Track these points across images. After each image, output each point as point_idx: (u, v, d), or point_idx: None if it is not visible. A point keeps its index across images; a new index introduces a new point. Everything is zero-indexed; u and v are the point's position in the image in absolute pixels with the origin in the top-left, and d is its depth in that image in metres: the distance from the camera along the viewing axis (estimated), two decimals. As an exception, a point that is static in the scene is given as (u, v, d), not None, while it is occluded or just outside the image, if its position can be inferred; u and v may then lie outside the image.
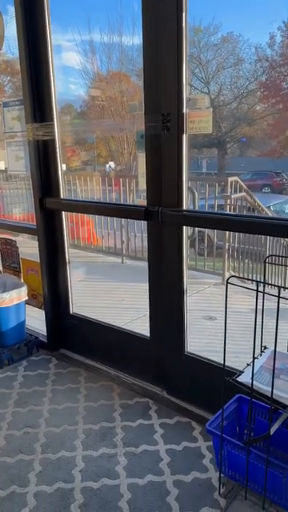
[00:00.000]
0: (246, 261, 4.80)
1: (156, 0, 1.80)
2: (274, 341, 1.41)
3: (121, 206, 2.47)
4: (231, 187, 4.62)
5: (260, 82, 12.64)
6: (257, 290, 1.35)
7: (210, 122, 1.78)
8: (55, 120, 2.40)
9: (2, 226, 2.96)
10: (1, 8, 2.67)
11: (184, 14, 1.76)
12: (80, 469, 1.83)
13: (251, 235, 4.70)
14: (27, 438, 2.02)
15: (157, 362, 2.27)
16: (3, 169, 2.95)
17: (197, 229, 2.09)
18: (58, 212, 2.57)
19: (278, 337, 1.38)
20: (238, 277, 1.23)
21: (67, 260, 2.65)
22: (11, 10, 2.36)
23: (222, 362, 1.51)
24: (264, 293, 1.45)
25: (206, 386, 2.01)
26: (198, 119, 1.80)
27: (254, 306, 1.41)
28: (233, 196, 4.52)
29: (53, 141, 2.43)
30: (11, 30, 2.44)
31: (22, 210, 6.30)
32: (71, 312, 2.72)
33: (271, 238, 4.84)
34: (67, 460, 1.88)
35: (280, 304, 1.30)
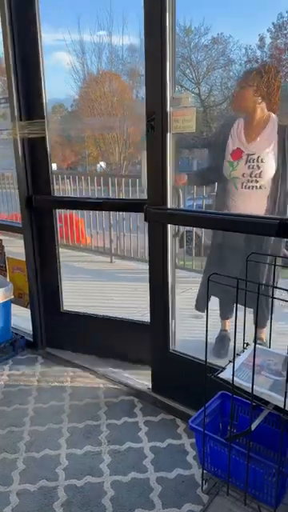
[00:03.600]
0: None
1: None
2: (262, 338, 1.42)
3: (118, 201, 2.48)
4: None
5: (250, 83, 12.68)
6: (237, 288, 1.36)
7: (194, 121, 1.79)
8: (45, 117, 2.39)
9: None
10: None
11: (168, 14, 1.77)
12: (64, 467, 1.82)
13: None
14: (11, 437, 2.02)
15: (143, 360, 2.28)
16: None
17: (182, 228, 2.10)
18: (47, 210, 2.56)
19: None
20: (219, 274, 1.23)
21: (57, 258, 2.64)
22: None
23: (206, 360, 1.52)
24: (246, 290, 1.46)
25: (190, 384, 2.02)
26: (182, 118, 1.81)
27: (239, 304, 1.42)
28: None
29: (43, 138, 2.42)
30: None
31: (10, 208, 6.25)
32: (60, 310, 2.72)
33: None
34: (51, 458, 1.88)
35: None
